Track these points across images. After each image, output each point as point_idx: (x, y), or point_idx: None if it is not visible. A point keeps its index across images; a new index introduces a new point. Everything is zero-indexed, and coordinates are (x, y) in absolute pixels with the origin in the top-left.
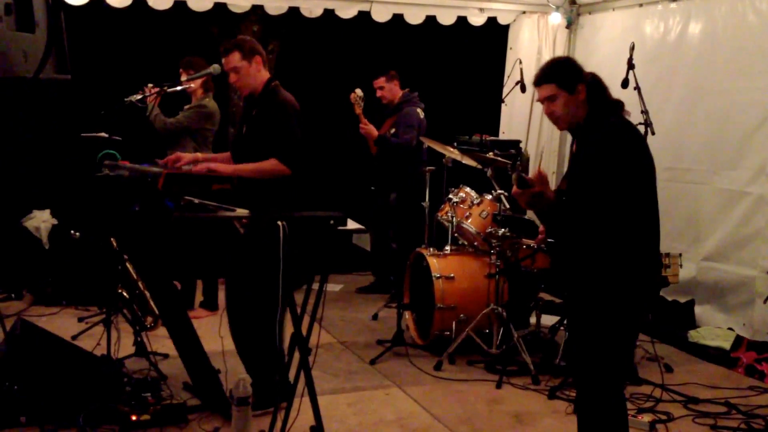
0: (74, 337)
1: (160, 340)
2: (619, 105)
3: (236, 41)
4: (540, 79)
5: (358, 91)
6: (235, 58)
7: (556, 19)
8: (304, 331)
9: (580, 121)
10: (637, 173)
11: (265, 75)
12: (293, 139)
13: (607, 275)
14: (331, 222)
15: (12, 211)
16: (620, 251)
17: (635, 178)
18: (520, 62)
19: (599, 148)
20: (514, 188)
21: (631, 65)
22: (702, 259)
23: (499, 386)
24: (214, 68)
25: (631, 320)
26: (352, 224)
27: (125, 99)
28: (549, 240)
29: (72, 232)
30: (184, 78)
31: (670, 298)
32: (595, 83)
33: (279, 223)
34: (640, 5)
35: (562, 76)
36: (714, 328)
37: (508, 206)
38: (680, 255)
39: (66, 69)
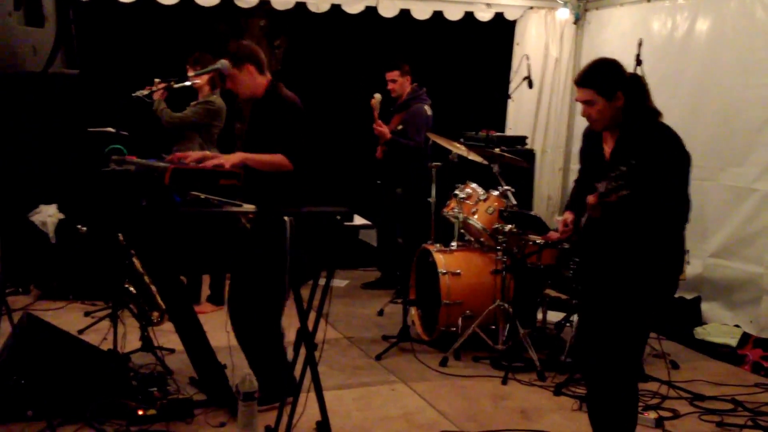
0: (81, 332)
1: (167, 335)
2: (658, 112)
3: (229, 48)
4: (581, 81)
5: (378, 96)
6: (227, 65)
7: (564, 14)
8: (310, 327)
9: (618, 122)
10: (686, 177)
11: (261, 79)
12: (297, 136)
13: (641, 273)
14: (338, 218)
15: (19, 206)
16: (661, 246)
17: (686, 182)
18: (528, 58)
19: (664, 150)
20: (593, 198)
21: (638, 61)
22: (708, 256)
23: (504, 382)
24: (222, 63)
25: (651, 318)
26: (358, 220)
27: (132, 94)
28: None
29: (79, 226)
30: (191, 74)
31: (676, 295)
32: (635, 83)
33: (285, 218)
34: (648, 1)
35: (601, 82)
36: (720, 325)
37: (514, 202)
38: (687, 252)
39: (75, 63)
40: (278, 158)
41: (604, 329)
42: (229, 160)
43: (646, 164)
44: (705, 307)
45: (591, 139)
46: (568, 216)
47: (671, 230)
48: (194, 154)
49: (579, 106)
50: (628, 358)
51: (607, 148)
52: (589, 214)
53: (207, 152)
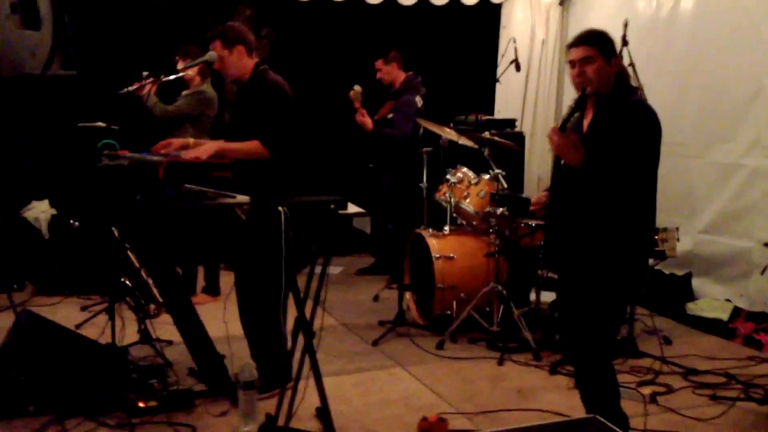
0: (78, 326)
1: (164, 327)
2: (637, 91)
3: (221, 29)
4: (581, 40)
5: (357, 88)
6: (217, 47)
7: None
8: (307, 315)
9: (604, 92)
10: (655, 151)
11: (250, 62)
12: (278, 123)
13: (608, 246)
14: (332, 206)
15: (11, 202)
16: (624, 223)
17: (654, 156)
18: (515, 41)
19: (630, 122)
20: (554, 128)
21: (625, 42)
22: (699, 232)
23: (501, 363)
24: (210, 56)
25: (626, 292)
26: (352, 208)
27: (119, 91)
28: (547, 213)
29: (72, 221)
30: (180, 66)
31: (667, 272)
32: (623, 65)
33: (280, 208)
34: None
35: (605, 43)
36: (712, 300)
37: (505, 185)
38: (677, 229)
39: (71, 65)
40: (254, 145)
41: (575, 305)
42: (205, 150)
43: (615, 133)
44: (696, 282)
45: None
46: (542, 195)
47: (629, 202)
48: (177, 141)
49: (568, 81)
50: (600, 334)
51: (586, 122)
52: (550, 143)
53: (190, 139)
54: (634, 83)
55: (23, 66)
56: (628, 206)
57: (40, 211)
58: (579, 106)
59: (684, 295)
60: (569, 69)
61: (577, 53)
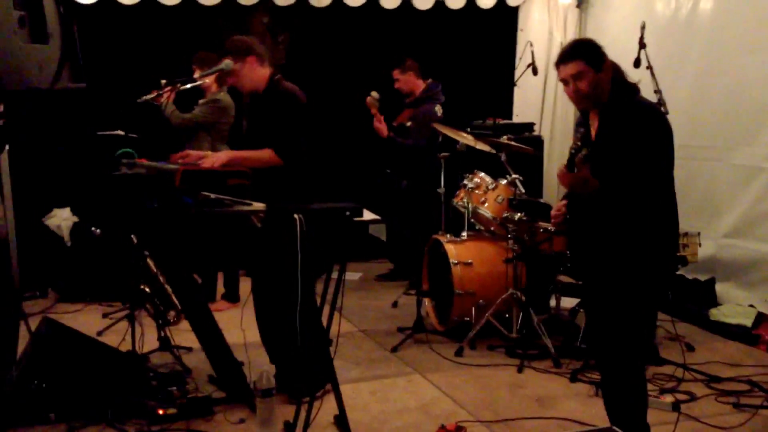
0: (99, 333)
1: (184, 334)
2: (637, 88)
3: (228, 44)
4: (566, 56)
5: (374, 94)
6: (230, 65)
7: None
8: (324, 322)
9: (603, 100)
10: (669, 153)
11: (263, 72)
12: (290, 131)
13: (632, 253)
14: (347, 213)
15: (33, 210)
16: (647, 230)
17: (668, 158)
18: (531, 45)
19: (637, 127)
20: (562, 169)
21: (642, 44)
22: (721, 237)
23: (520, 370)
24: (226, 64)
25: (651, 298)
26: (368, 215)
27: (138, 100)
28: (567, 221)
29: (93, 229)
30: (197, 74)
31: (690, 277)
32: (614, 66)
33: (295, 216)
34: None
35: (589, 53)
36: (735, 305)
37: (523, 190)
38: (699, 234)
39: (81, 77)
40: (267, 153)
41: (602, 313)
42: (218, 159)
43: (625, 141)
44: (719, 288)
45: (581, 125)
46: (561, 205)
47: (650, 208)
48: (195, 153)
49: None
50: (629, 342)
51: (593, 130)
52: (561, 183)
53: (208, 153)
54: (651, 87)
55: (30, 80)
56: (648, 211)
57: (61, 218)
58: (584, 143)
59: (707, 300)
60: (563, 87)
61: (566, 71)
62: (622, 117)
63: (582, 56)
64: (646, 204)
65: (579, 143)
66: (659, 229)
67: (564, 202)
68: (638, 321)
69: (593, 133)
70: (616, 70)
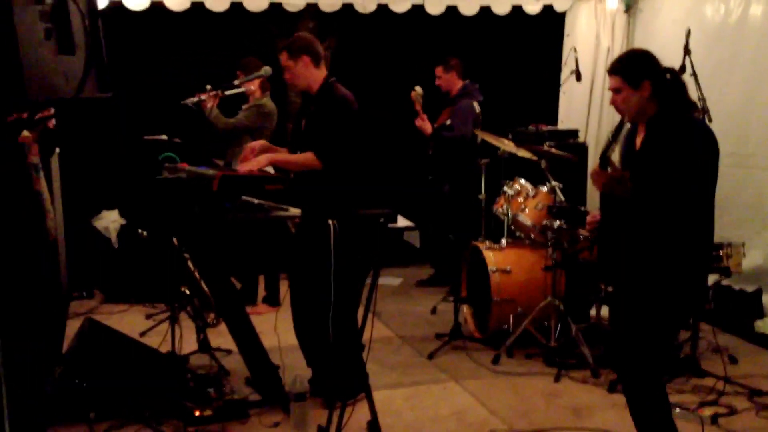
0: (142, 334)
1: (225, 336)
2: (693, 106)
3: (289, 41)
4: (610, 70)
5: (418, 89)
6: (283, 58)
7: (614, 3)
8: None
9: (649, 115)
10: (711, 171)
11: (318, 73)
12: (337, 137)
13: (665, 266)
14: (381, 220)
15: (82, 212)
16: (678, 243)
17: (709, 176)
18: (575, 51)
19: (683, 144)
20: (595, 168)
21: (687, 51)
22: None
23: (557, 380)
24: (266, 70)
25: (677, 311)
26: (402, 221)
27: (181, 102)
28: (600, 229)
29: (139, 231)
30: (239, 80)
31: (737, 287)
32: (673, 80)
33: (330, 222)
34: None
35: (629, 70)
36: None
37: (563, 198)
38: (743, 244)
39: (107, 87)
40: (308, 157)
41: (625, 322)
42: (258, 163)
43: (667, 154)
44: (767, 299)
45: (628, 137)
46: (597, 213)
47: (683, 222)
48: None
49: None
50: (648, 351)
51: (639, 140)
52: (594, 184)
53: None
54: (694, 95)
55: (57, 90)
56: (682, 225)
57: (110, 220)
58: (614, 137)
59: (753, 311)
60: None
61: (610, 83)
62: (667, 131)
63: (620, 72)
64: (679, 218)
65: (609, 139)
66: (691, 243)
67: (599, 212)
68: (657, 332)
69: (638, 141)
70: (674, 85)
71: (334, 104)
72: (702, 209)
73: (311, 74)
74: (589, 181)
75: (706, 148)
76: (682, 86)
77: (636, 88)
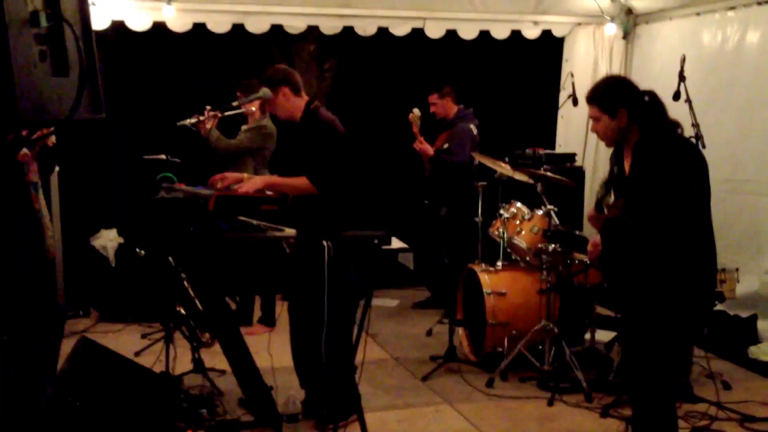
0: (137, 354)
1: (220, 356)
2: (675, 125)
3: (265, 75)
4: (587, 98)
5: (416, 111)
6: (269, 93)
7: (612, 30)
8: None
9: (633, 140)
10: (701, 191)
11: (299, 102)
12: (326, 161)
13: (666, 290)
14: (375, 241)
15: (81, 230)
16: (681, 267)
17: (699, 196)
18: (572, 75)
19: (667, 165)
20: (591, 212)
21: (681, 77)
22: (764, 273)
23: (551, 404)
24: (264, 92)
25: (685, 335)
26: (396, 243)
27: (177, 123)
28: (602, 256)
29: (137, 250)
30: (238, 101)
31: (731, 313)
32: (652, 102)
33: (324, 242)
34: (698, 14)
35: (605, 98)
36: None
37: (557, 222)
38: (737, 270)
39: (100, 109)
40: (302, 181)
41: (636, 348)
42: (253, 184)
43: (655, 177)
44: (762, 325)
45: (615, 160)
46: (598, 239)
47: (683, 244)
48: (233, 175)
49: None
50: (660, 378)
51: (627, 165)
52: (591, 224)
53: (244, 174)
54: (689, 120)
55: (50, 112)
56: (682, 247)
57: (108, 239)
58: (608, 188)
59: (748, 337)
60: None
61: (589, 111)
62: (653, 154)
63: (597, 101)
64: (678, 240)
65: (603, 189)
66: (693, 265)
67: (599, 237)
68: (670, 358)
69: (626, 168)
70: (654, 108)
71: (321, 129)
72: (698, 228)
73: (292, 104)
74: (586, 206)
75: (692, 165)
76: (662, 107)
77: (613, 117)
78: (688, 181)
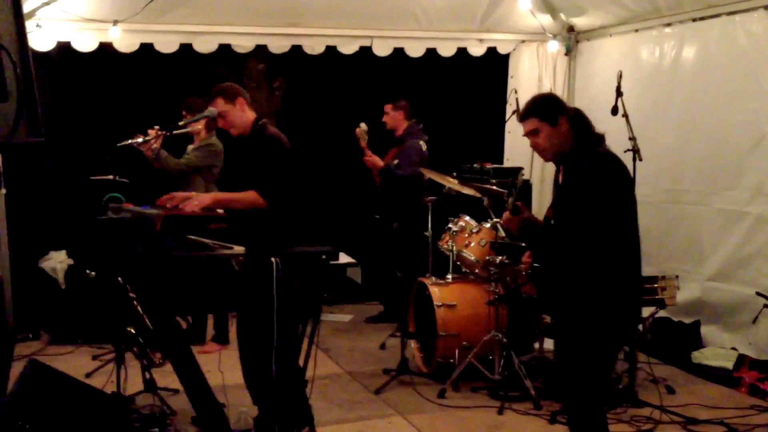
0: (88, 375)
1: (172, 375)
2: (601, 138)
3: (217, 88)
4: (523, 115)
5: (363, 126)
6: (220, 104)
7: (555, 47)
8: (301, 363)
9: (565, 152)
10: (622, 201)
11: (251, 115)
12: (275, 174)
13: (591, 299)
14: (323, 257)
15: (30, 253)
16: (604, 275)
17: (621, 206)
18: (516, 92)
19: (588, 177)
20: (506, 214)
21: (619, 92)
22: (706, 280)
23: (500, 412)
24: (210, 112)
25: (613, 342)
26: (344, 258)
27: (118, 144)
28: (535, 265)
29: (87, 271)
30: (185, 120)
31: (675, 319)
32: (578, 117)
33: (272, 259)
34: (636, 30)
35: (542, 109)
36: (717, 348)
37: (503, 234)
38: (677, 277)
39: (39, 132)
40: (251, 195)
41: (568, 358)
42: (201, 202)
43: (580, 190)
44: (704, 330)
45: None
46: (529, 252)
47: (606, 254)
48: (180, 195)
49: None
50: (587, 381)
51: (560, 177)
52: (507, 225)
53: (192, 194)
54: (626, 135)
55: None
56: (605, 258)
57: (57, 261)
58: (510, 190)
59: (692, 343)
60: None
61: (524, 127)
62: (579, 166)
63: (535, 113)
64: (601, 250)
65: (507, 192)
66: (616, 273)
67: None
68: (592, 363)
69: (560, 177)
70: (582, 120)
71: (269, 143)
72: (621, 237)
73: (246, 117)
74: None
75: (613, 177)
76: (588, 121)
77: (554, 125)
78: (610, 193)
